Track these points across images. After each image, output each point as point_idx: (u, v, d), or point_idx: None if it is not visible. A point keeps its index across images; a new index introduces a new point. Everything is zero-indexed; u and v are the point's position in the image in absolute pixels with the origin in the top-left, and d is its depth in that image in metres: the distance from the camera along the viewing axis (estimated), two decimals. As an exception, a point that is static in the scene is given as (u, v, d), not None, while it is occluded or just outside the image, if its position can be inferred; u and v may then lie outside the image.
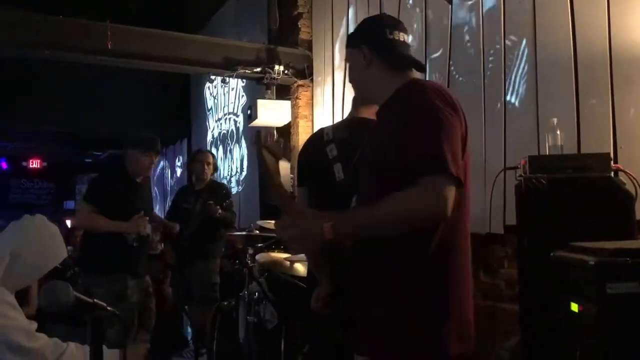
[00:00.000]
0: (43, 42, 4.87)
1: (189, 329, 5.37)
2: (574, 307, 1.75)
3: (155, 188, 11.11)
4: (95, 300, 1.22)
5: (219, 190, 4.76)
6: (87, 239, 3.73)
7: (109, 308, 1.25)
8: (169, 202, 9.87)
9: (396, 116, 1.54)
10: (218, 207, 4.43)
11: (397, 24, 1.72)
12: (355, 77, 1.75)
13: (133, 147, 3.68)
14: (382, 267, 1.53)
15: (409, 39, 1.74)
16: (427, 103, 1.48)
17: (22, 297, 4.82)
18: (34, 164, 15.08)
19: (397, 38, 1.67)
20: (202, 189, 4.70)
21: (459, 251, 1.55)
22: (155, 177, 11.55)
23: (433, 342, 1.48)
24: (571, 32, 2.98)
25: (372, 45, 1.67)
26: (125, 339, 3.49)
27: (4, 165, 14.92)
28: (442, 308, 1.49)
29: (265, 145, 1.73)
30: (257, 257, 3.61)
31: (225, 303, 4.00)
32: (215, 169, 4.94)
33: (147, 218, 3.67)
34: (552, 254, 1.94)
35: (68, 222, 12.26)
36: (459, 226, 1.55)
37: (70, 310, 1.43)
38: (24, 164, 15.05)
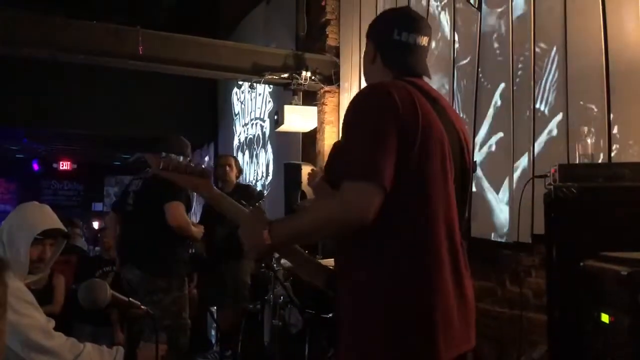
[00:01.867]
0: (78, 47, 4.99)
1: (213, 331, 5.42)
2: (605, 318, 1.73)
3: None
4: (130, 299, 1.25)
5: (249, 191, 4.77)
6: (164, 242, 3.55)
7: (142, 307, 1.27)
8: (194, 205, 9.99)
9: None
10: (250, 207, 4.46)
11: (410, 24, 1.62)
12: (363, 68, 1.76)
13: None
14: (350, 267, 1.52)
15: (423, 40, 1.63)
16: (353, 110, 1.48)
17: (46, 295, 4.91)
18: (64, 165, 15.38)
19: (404, 40, 1.60)
20: (231, 191, 4.72)
21: (432, 253, 1.44)
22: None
23: (387, 346, 1.42)
24: (603, 39, 2.95)
25: (377, 42, 1.66)
26: (186, 342, 3.55)
27: (36, 167, 15.24)
28: (404, 313, 1.41)
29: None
30: (283, 261, 3.63)
31: (251, 306, 4.03)
32: (240, 171, 4.95)
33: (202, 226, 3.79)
34: (581, 264, 1.92)
35: (95, 224, 12.48)
36: (431, 227, 1.45)
37: (102, 309, 1.47)
38: (54, 165, 15.37)
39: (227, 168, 4.75)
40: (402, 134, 1.41)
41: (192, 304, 5.38)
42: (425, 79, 1.67)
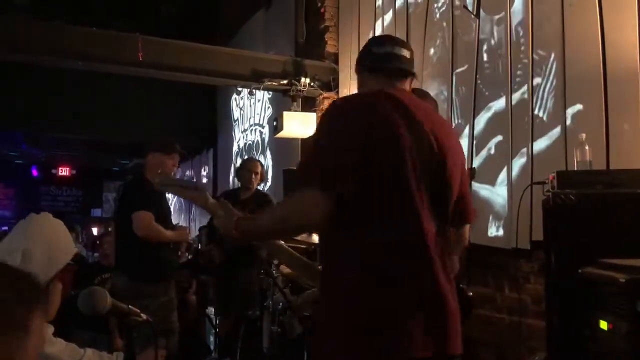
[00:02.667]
0: (77, 53, 5.00)
1: (212, 337, 5.41)
2: (603, 324, 1.73)
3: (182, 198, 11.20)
4: (130, 306, 1.26)
5: (266, 199, 4.74)
6: (143, 248, 3.54)
7: (143, 315, 1.28)
8: (194, 211, 9.98)
9: None
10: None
11: (386, 39, 1.79)
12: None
13: (156, 151, 3.75)
14: (323, 269, 1.61)
15: (404, 51, 1.70)
16: (320, 120, 1.61)
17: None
18: (63, 171, 15.38)
19: (382, 51, 1.70)
20: (248, 198, 4.65)
21: (378, 258, 1.46)
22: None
23: (338, 347, 1.45)
24: (601, 46, 2.96)
25: (361, 65, 1.76)
26: (174, 346, 3.54)
27: (34, 173, 15.24)
28: (349, 317, 1.44)
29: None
30: (282, 267, 3.63)
31: (250, 312, 4.02)
32: (263, 179, 4.87)
33: (186, 227, 3.75)
34: (580, 270, 1.92)
35: (94, 230, 12.47)
36: (383, 233, 1.47)
37: (102, 316, 1.47)
38: (53, 171, 15.36)
39: (254, 175, 4.66)
40: (355, 144, 1.46)
41: (191, 309, 5.38)
42: (421, 86, 1.73)
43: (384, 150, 1.47)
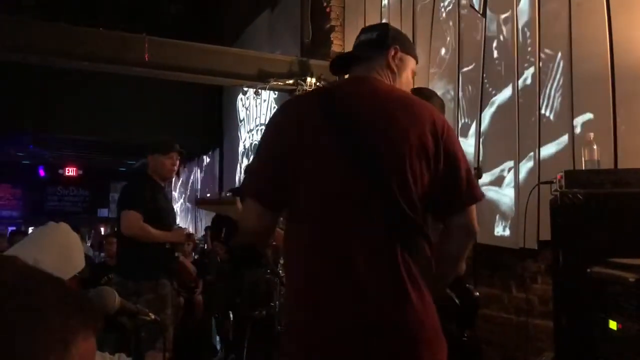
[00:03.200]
0: (83, 54, 5.02)
1: (218, 337, 5.41)
2: (613, 324, 1.72)
3: (187, 197, 11.25)
4: (138, 305, 1.26)
5: None
6: (131, 247, 3.62)
7: (151, 314, 1.28)
8: (200, 211, 10.00)
9: None
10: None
11: (363, 31, 1.72)
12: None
13: (154, 152, 3.77)
14: None
15: (363, 36, 1.67)
16: None
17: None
18: (70, 171, 15.45)
19: (357, 42, 1.68)
20: None
21: (296, 259, 1.48)
22: (189, 187, 11.72)
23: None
24: (608, 45, 2.95)
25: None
26: (164, 344, 3.53)
27: (42, 173, 15.31)
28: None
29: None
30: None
31: (257, 312, 4.03)
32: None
33: (186, 229, 3.74)
34: (588, 270, 1.91)
35: (102, 230, 12.52)
36: (301, 234, 1.46)
37: (110, 316, 1.47)
38: (60, 171, 15.44)
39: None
40: (274, 151, 1.50)
41: (198, 309, 5.39)
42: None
43: (291, 157, 1.45)
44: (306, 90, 5.56)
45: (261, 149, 1.55)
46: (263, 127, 7.61)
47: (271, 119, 1.58)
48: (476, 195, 1.54)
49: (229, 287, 4.70)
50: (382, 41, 1.62)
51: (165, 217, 3.73)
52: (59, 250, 1.77)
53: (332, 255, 1.39)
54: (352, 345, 1.33)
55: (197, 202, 2.75)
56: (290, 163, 1.44)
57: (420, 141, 1.44)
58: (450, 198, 1.51)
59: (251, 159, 1.61)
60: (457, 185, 1.50)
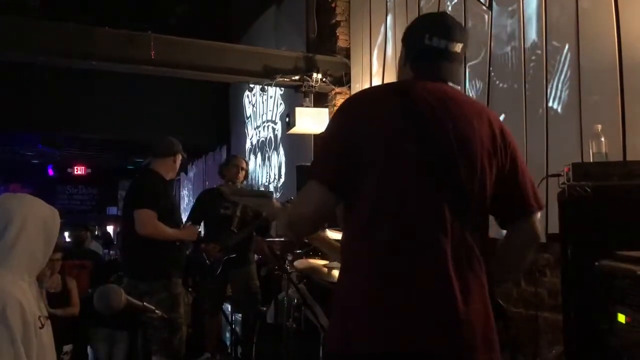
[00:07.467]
0: (90, 53, 5.04)
1: (227, 333, 5.43)
2: (621, 317, 1.71)
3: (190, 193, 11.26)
4: (145, 303, 1.26)
5: None
6: (145, 246, 3.55)
7: (157, 311, 1.28)
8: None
9: None
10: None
11: (442, 30, 1.58)
12: (397, 71, 1.73)
13: (156, 156, 3.78)
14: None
15: (456, 46, 1.58)
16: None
17: (63, 298, 4.95)
18: (79, 170, 15.55)
19: (435, 45, 1.55)
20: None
21: (364, 247, 1.44)
22: (192, 184, 11.75)
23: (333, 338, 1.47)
24: (616, 36, 2.92)
25: (408, 46, 1.64)
26: (179, 343, 3.55)
27: (51, 172, 15.41)
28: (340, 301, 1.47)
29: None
30: (296, 263, 3.64)
31: (265, 309, 4.04)
32: (246, 175, 4.91)
33: (197, 226, 3.75)
34: (597, 263, 1.90)
35: (110, 228, 12.60)
36: (372, 224, 1.43)
37: (117, 313, 1.48)
38: (69, 170, 15.54)
39: (240, 170, 4.74)
40: (349, 139, 1.46)
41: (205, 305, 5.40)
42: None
43: (365, 149, 1.43)
44: (312, 86, 5.56)
45: (332, 137, 1.52)
46: (270, 124, 7.64)
47: (345, 108, 1.55)
48: (541, 204, 1.59)
49: (217, 287, 4.69)
50: (463, 54, 1.62)
51: (175, 215, 3.75)
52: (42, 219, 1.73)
53: (414, 255, 1.39)
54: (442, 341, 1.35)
55: (230, 193, 2.77)
56: (364, 155, 1.43)
57: (494, 148, 1.50)
58: (515, 204, 1.55)
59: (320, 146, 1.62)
60: (523, 191, 1.55)
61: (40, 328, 1.56)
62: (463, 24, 4.08)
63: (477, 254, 1.44)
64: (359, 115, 1.49)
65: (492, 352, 1.41)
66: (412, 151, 1.43)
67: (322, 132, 1.60)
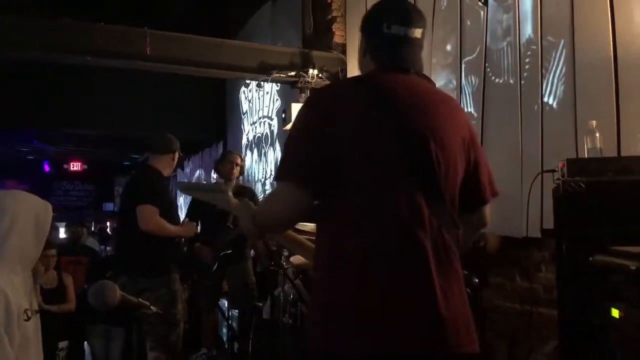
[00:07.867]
0: (85, 49, 5.02)
1: (224, 329, 5.44)
2: (615, 312, 1.72)
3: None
4: (140, 299, 1.26)
5: (250, 194, 4.76)
6: (144, 241, 3.52)
7: (152, 307, 1.29)
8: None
9: None
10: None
11: (401, 16, 1.54)
12: (358, 62, 1.68)
13: (155, 151, 3.77)
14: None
15: (415, 32, 1.54)
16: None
17: (59, 294, 4.94)
18: (75, 166, 15.50)
19: (394, 32, 1.52)
20: (236, 192, 4.66)
21: (343, 248, 1.41)
22: (188, 180, 11.74)
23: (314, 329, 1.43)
24: (611, 33, 2.93)
25: (367, 36, 1.59)
26: (177, 339, 3.55)
27: (47, 168, 15.37)
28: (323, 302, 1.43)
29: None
30: (292, 259, 3.64)
31: (261, 304, 4.05)
32: (242, 171, 4.90)
33: (195, 224, 3.76)
34: (591, 258, 1.91)
35: (108, 224, 12.57)
36: (352, 223, 1.41)
37: (112, 310, 1.48)
38: (65, 166, 15.50)
39: (234, 166, 4.72)
40: (317, 134, 1.42)
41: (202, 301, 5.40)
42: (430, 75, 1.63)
43: (337, 145, 1.40)
44: (308, 81, 5.55)
45: (299, 133, 1.47)
46: (266, 120, 7.64)
47: (310, 104, 1.52)
48: (496, 192, 1.64)
49: (214, 283, 4.69)
50: (423, 39, 1.58)
51: (173, 211, 3.74)
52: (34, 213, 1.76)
53: (396, 253, 1.38)
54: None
55: (181, 188, 2.71)
56: (336, 151, 1.40)
57: (462, 140, 1.52)
58: (475, 195, 1.58)
59: (285, 145, 1.58)
60: (482, 182, 1.59)
61: (26, 320, 1.57)
62: (459, 19, 4.09)
63: (453, 248, 1.44)
64: (327, 110, 1.44)
65: (474, 344, 1.42)
66: (388, 146, 1.41)
67: (290, 130, 1.54)
